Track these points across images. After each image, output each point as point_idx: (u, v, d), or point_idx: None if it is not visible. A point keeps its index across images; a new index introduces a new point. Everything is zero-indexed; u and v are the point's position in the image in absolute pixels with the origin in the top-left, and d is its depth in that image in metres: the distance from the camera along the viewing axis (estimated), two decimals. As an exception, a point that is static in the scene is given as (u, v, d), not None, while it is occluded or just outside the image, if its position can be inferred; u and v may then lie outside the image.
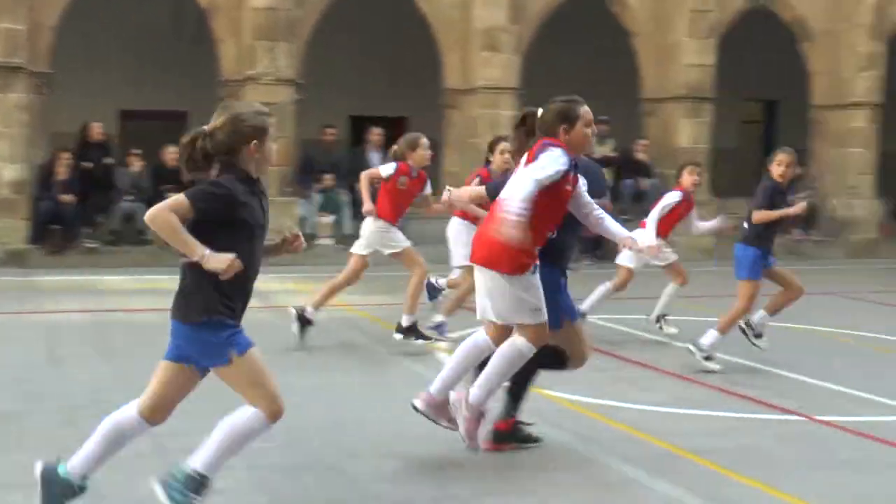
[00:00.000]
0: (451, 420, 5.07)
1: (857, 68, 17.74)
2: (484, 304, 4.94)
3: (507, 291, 4.82)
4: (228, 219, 3.92)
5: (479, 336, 5.07)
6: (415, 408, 5.11)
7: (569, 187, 4.90)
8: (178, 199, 3.88)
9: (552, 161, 4.71)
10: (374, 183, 8.28)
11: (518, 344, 4.91)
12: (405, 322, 8.16)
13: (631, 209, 16.39)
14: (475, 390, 4.98)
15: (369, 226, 8.25)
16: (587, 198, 5.14)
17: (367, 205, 8.15)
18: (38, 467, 4.04)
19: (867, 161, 18.12)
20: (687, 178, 8.88)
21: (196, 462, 3.95)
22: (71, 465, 4.02)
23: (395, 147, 8.44)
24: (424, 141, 8.32)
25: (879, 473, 5.22)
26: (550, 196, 4.76)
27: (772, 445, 5.65)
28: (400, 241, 8.29)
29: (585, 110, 4.95)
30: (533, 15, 16.22)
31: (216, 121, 4.01)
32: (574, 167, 4.89)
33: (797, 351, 8.46)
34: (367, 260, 8.28)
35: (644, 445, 5.59)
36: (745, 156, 22.69)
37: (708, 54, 16.77)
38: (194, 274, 3.91)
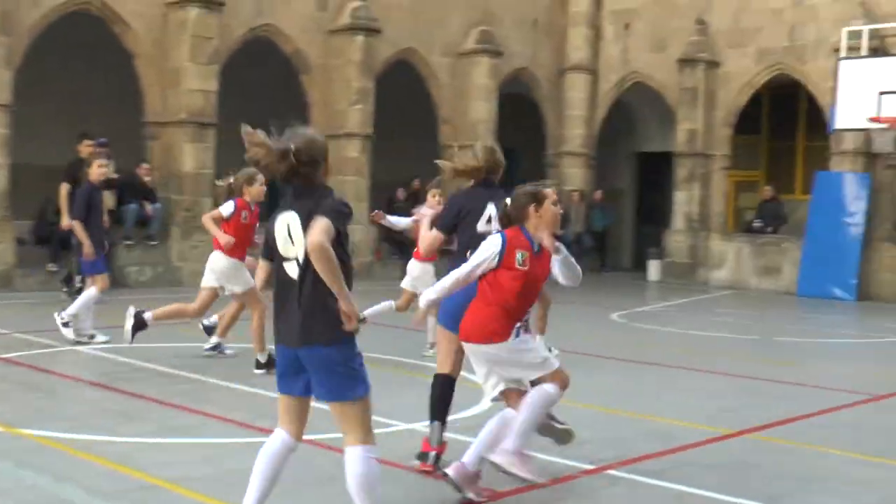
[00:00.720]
0: (478, 492, 5.26)
1: (350, 101, 18.89)
2: (498, 377, 5.37)
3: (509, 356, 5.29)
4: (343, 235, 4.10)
5: (506, 413, 5.38)
6: (445, 474, 5.24)
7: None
8: (326, 225, 3.92)
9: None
10: (217, 223, 8.79)
11: (548, 388, 5.30)
12: (262, 359, 8.69)
13: (135, 233, 16.10)
14: (516, 439, 5.23)
15: (220, 261, 8.78)
16: None
17: (223, 237, 8.71)
18: None
19: (361, 189, 19.33)
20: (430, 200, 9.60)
21: None
22: None
23: (230, 182, 8.90)
24: (260, 176, 8.72)
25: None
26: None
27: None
28: (248, 280, 8.77)
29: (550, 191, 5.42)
30: (24, 29, 15.29)
31: (298, 142, 4.13)
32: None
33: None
34: (217, 292, 8.87)
35: (126, 480, 5.44)
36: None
37: (210, 80, 16.89)
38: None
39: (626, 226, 26.30)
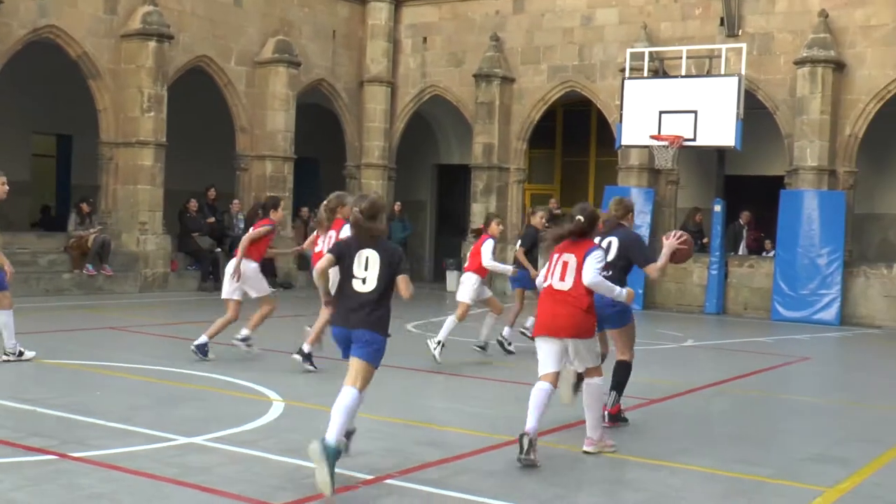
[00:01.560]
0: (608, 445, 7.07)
1: (143, 108, 18.31)
2: (585, 359, 6.96)
3: (590, 348, 6.94)
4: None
5: (593, 381, 7.03)
6: (588, 453, 6.89)
7: None
8: (406, 279, 6.17)
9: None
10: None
11: (598, 382, 7.03)
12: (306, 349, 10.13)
13: None
14: (597, 431, 7.00)
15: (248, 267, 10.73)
16: None
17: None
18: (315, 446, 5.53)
19: (156, 198, 18.77)
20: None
21: None
22: (329, 436, 5.69)
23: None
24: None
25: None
26: None
27: (21, 488, 5.45)
28: (264, 288, 10.93)
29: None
30: None
31: (362, 204, 6.15)
32: None
33: (73, 387, 8.40)
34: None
35: None
36: (39, 189, 22.27)
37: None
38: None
39: (426, 237, 26.62)
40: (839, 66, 18.77)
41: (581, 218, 6.90)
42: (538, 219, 12.34)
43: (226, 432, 7.00)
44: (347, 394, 5.96)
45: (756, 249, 20.91)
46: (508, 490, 5.84)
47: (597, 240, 7.44)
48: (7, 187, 9.01)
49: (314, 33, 22.46)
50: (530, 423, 6.55)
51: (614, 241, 7.94)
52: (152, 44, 18.23)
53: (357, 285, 6.09)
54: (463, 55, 23.03)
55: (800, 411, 9.46)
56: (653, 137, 17.73)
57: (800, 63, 18.86)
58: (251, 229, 11.15)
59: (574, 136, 25.07)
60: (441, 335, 11.16)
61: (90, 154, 19.14)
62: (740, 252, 20.60)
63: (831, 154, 18.93)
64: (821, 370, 12.66)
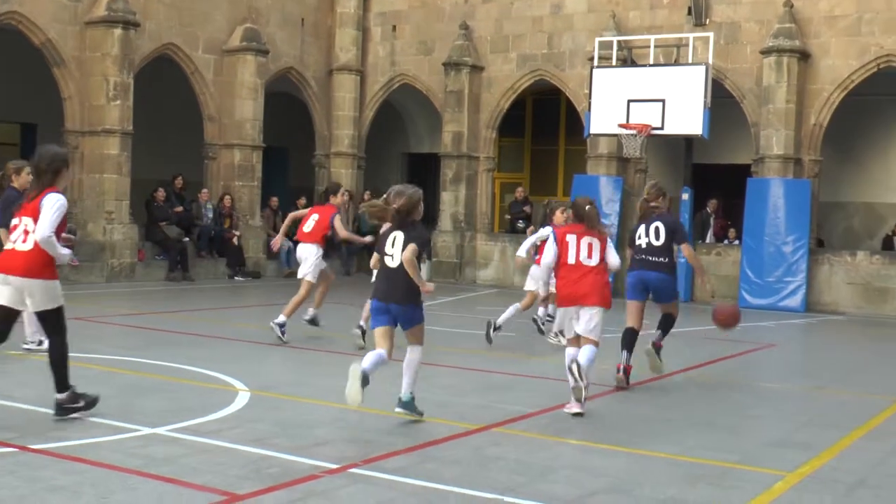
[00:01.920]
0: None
1: (109, 97, 18.16)
2: (593, 329, 8.10)
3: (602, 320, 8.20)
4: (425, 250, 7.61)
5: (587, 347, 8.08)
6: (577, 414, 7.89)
7: None
8: (414, 248, 7.18)
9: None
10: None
11: (595, 349, 8.09)
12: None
13: None
14: (585, 380, 7.84)
15: (311, 250, 11.62)
16: None
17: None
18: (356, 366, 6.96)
19: (123, 187, 18.62)
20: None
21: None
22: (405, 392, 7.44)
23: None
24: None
25: (81, 496, 5.29)
26: None
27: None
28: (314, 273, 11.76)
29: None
30: None
31: (399, 200, 7.29)
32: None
33: (36, 378, 8.34)
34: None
35: None
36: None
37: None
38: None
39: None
40: (804, 56, 18.92)
41: (589, 206, 8.39)
42: (560, 216, 11.74)
43: (191, 422, 6.98)
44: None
45: (722, 237, 21.08)
46: (473, 478, 5.87)
47: (641, 228, 9.60)
48: (30, 177, 8.79)
49: (282, 21, 22.35)
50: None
51: (661, 225, 9.55)
52: (118, 31, 18.06)
53: (387, 261, 7.37)
54: (432, 44, 23.00)
55: (764, 397, 9.56)
56: (621, 126, 17.79)
57: (766, 52, 19.00)
58: (314, 214, 11.85)
59: (543, 124, 25.12)
60: (501, 319, 11.90)
61: (55, 143, 18.90)
62: (707, 240, 20.76)
63: (797, 143, 19.09)
64: (785, 357, 12.79)
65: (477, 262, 22.48)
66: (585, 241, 8.26)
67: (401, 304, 7.30)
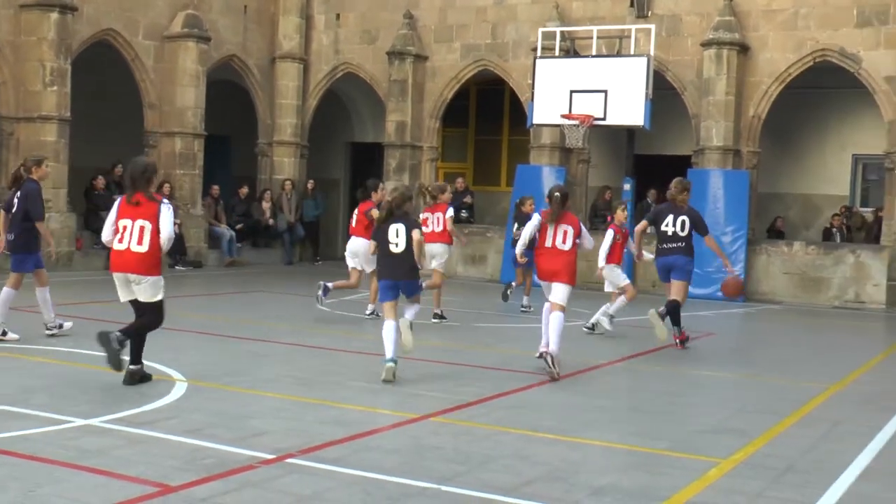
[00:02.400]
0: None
1: (45, 82, 17.82)
2: (560, 297, 9.49)
3: (569, 293, 9.58)
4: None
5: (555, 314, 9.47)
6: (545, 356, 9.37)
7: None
8: (420, 231, 9.10)
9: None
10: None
11: (562, 315, 9.47)
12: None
13: None
14: (554, 347, 9.36)
15: (360, 245, 12.74)
16: None
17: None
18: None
19: (61, 175, 18.29)
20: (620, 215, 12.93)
21: None
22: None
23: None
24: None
25: (6, 490, 5.20)
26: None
27: None
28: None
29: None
30: None
31: (393, 194, 9.17)
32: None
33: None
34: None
35: None
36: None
37: None
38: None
39: (340, 216, 26.49)
40: (743, 49, 19.16)
41: (559, 194, 9.65)
42: (621, 214, 13.21)
43: (125, 413, 6.90)
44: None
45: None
46: (411, 467, 5.88)
47: (670, 217, 11.57)
48: (48, 169, 9.75)
49: (225, 8, 22.11)
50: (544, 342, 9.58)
51: (686, 219, 11.52)
52: (54, 15, 17.71)
53: (392, 248, 8.94)
54: (376, 32, 22.91)
55: (700, 385, 9.69)
56: (564, 116, 17.87)
57: (706, 45, 19.21)
58: (356, 210, 13.26)
59: (487, 114, 25.16)
60: (612, 309, 12.76)
61: (-5, 130, 18.59)
62: (648, 230, 20.92)
63: (736, 134, 19.35)
64: (723, 345, 12.97)
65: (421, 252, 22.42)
66: (561, 228, 9.62)
67: (406, 279, 8.96)
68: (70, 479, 5.33)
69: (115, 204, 8.39)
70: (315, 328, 12.28)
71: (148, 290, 8.04)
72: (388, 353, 8.75)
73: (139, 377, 8.03)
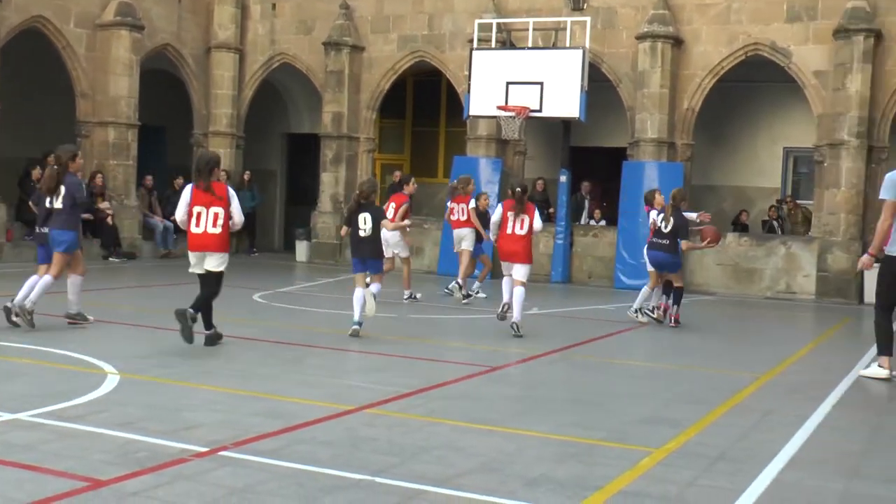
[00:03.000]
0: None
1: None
2: (521, 275, 11.74)
3: (528, 271, 11.87)
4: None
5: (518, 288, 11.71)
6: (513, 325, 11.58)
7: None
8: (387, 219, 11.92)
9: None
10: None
11: (523, 289, 11.62)
12: (407, 294, 15.10)
13: None
14: (517, 315, 11.55)
15: (393, 235, 14.24)
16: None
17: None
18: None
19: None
20: None
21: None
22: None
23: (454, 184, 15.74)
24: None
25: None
26: None
27: None
28: (407, 248, 15.08)
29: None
30: None
31: (361, 187, 11.12)
32: None
33: None
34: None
35: None
36: None
37: None
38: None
39: (276, 207, 26.31)
40: (678, 42, 19.40)
41: (520, 189, 11.83)
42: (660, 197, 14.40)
43: (55, 407, 6.78)
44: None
45: (598, 219, 21.47)
46: (345, 459, 5.86)
47: (659, 216, 13.25)
48: (82, 161, 10.70)
49: (158, -4, 21.80)
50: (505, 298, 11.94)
51: (672, 222, 13.06)
52: (-19, 2, 17.37)
53: (361, 232, 10.80)
54: (312, 23, 22.77)
55: (634, 375, 9.80)
56: (500, 108, 17.95)
57: (641, 38, 19.40)
58: (391, 203, 14.62)
59: (424, 106, 25.15)
60: (637, 302, 13.62)
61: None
62: (582, 221, 21.13)
63: (670, 127, 19.59)
64: (657, 336, 13.12)
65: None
66: (519, 217, 11.69)
67: (372, 258, 10.94)
68: (-4, 475, 5.22)
69: (188, 191, 9.67)
70: (250, 320, 12.18)
71: (217, 261, 9.66)
72: (356, 316, 10.72)
73: (216, 338, 9.82)
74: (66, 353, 8.99)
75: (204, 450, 5.89)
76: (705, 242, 13.61)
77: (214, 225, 9.52)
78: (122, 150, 20.77)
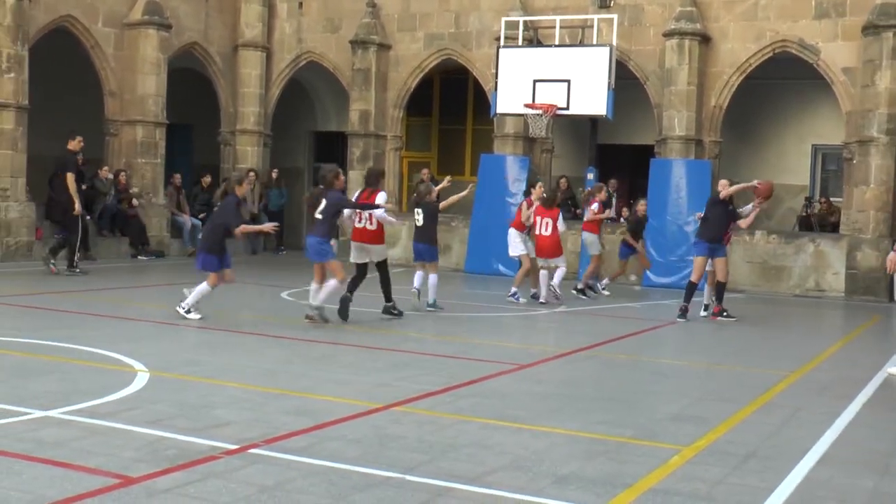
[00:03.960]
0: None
1: (2, 69, 17.56)
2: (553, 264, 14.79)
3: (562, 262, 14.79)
4: None
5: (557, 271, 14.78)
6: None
7: None
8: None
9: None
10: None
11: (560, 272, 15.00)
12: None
13: None
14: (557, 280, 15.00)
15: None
16: None
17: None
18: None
19: (18, 163, 18.07)
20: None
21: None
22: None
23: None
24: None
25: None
26: None
27: None
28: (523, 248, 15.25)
29: None
30: None
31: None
32: None
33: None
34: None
35: None
36: None
37: None
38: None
39: (304, 205, 26.35)
40: (705, 39, 19.29)
41: (545, 195, 14.68)
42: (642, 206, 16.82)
43: (86, 405, 6.83)
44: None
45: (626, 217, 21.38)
46: (374, 457, 5.87)
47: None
48: (251, 185, 13.47)
49: (185, -5, 21.93)
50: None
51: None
52: (10, 1, 17.49)
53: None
54: (339, 21, 22.81)
55: (663, 373, 9.76)
56: (527, 106, 17.91)
57: (668, 35, 19.31)
58: (524, 206, 15.34)
59: (451, 104, 25.14)
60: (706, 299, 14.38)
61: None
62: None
63: (698, 124, 19.48)
64: (685, 334, 13.07)
65: (386, 242, 22.34)
66: (546, 220, 14.44)
67: (426, 244, 13.16)
68: (26, 472, 5.25)
69: (357, 195, 12.51)
70: (279, 318, 12.23)
71: (380, 253, 12.26)
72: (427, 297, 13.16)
73: (394, 311, 12.36)
74: (97, 350, 9.05)
75: (234, 447, 5.92)
76: (758, 200, 14.18)
77: (371, 222, 12.04)
78: (149, 149, 20.89)
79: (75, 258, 15.90)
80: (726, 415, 7.60)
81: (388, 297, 12.29)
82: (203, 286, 11.46)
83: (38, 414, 6.52)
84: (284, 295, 14.80)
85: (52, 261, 15.90)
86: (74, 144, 16.22)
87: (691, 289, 13.81)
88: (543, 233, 14.79)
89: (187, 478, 5.28)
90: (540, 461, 6.00)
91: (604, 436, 6.75)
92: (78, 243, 16.06)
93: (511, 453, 6.16)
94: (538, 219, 14.88)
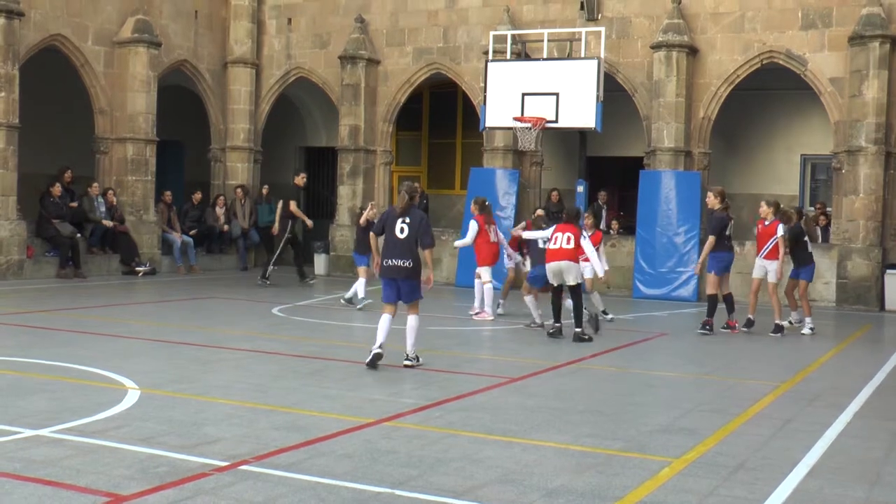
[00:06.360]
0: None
1: (-3, 89, 17.61)
2: (569, 280, 12.83)
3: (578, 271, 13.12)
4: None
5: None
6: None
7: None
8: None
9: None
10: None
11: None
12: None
13: None
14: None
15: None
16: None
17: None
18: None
19: (8, 182, 18.06)
20: None
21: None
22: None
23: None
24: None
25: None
26: None
27: None
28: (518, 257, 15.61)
29: None
30: None
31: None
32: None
33: None
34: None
35: None
36: None
37: None
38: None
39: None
40: (692, 51, 19.39)
41: (565, 213, 13.34)
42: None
43: (76, 423, 6.83)
44: None
45: (616, 229, 21.44)
46: (364, 472, 5.88)
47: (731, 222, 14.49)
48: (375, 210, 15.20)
49: (175, 13, 21.96)
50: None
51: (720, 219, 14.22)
52: (1, 20, 17.49)
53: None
54: (328, 37, 22.88)
55: (652, 385, 9.78)
56: (516, 119, 17.95)
57: (656, 47, 19.40)
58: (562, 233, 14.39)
59: (440, 118, 25.21)
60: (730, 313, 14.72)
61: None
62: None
63: (686, 136, 19.56)
64: (676, 345, 13.10)
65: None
66: (566, 234, 12.81)
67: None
68: (15, 491, 5.25)
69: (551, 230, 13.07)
70: (267, 334, 12.23)
71: (574, 273, 12.75)
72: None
73: (581, 338, 12.60)
74: (87, 368, 9.05)
75: (224, 464, 5.93)
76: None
77: (569, 242, 12.73)
78: (140, 166, 20.89)
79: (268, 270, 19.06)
80: (716, 426, 7.63)
81: (578, 322, 12.71)
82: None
83: (28, 433, 6.52)
84: (275, 311, 14.80)
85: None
86: (299, 180, 19.54)
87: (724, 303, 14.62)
88: (565, 246, 12.74)
89: (178, 495, 5.28)
90: (530, 474, 6.01)
91: (594, 448, 6.77)
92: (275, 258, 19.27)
93: (501, 467, 6.17)
94: (558, 235, 13.04)
